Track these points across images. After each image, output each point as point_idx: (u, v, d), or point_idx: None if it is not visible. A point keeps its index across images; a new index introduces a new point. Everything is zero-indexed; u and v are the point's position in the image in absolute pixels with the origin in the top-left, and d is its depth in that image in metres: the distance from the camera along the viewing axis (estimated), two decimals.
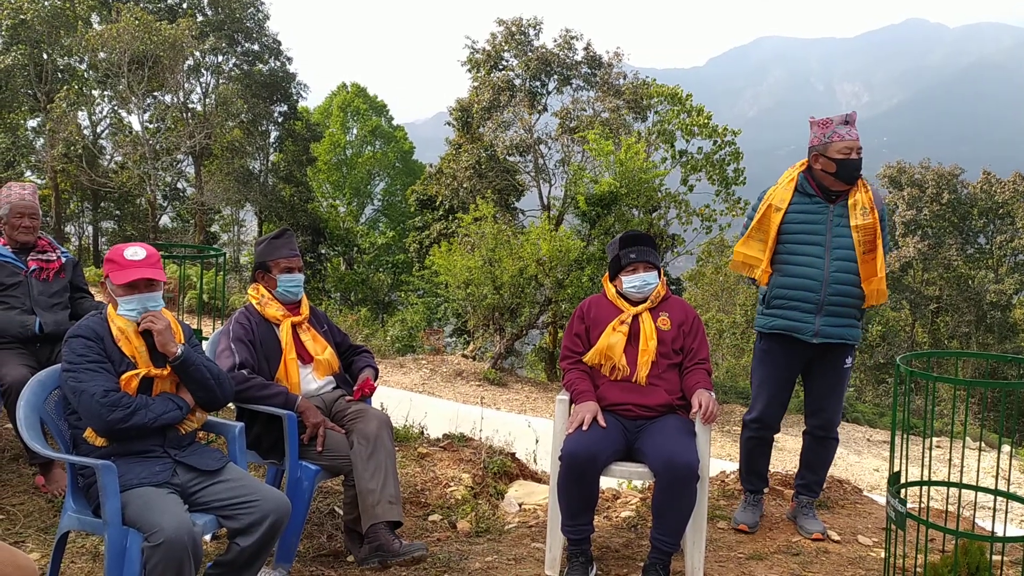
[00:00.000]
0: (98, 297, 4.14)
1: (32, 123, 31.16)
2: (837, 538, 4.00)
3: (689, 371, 3.55)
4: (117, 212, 35.52)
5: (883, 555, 3.58)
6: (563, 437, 3.40)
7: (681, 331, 3.59)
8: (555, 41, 29.33)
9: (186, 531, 2.60)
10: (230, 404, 3.41)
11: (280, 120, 35.65)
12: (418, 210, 33.42)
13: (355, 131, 45.03)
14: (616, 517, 4.22)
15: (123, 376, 2.86)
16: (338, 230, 39.50)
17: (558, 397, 3.64)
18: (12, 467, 4.20)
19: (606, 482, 3.51)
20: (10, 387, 3.70)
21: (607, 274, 3.78)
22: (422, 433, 5.30)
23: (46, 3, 28.28)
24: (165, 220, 36.21)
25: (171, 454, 2.90)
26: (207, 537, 3.38)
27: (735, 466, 4.64)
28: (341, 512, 3.88)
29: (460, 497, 4.30)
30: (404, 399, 8.72)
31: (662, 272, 3.70)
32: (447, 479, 4.48)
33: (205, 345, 3.58)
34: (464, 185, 28.79)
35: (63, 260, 4.38)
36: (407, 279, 32.05)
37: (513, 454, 5.07)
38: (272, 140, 36.29)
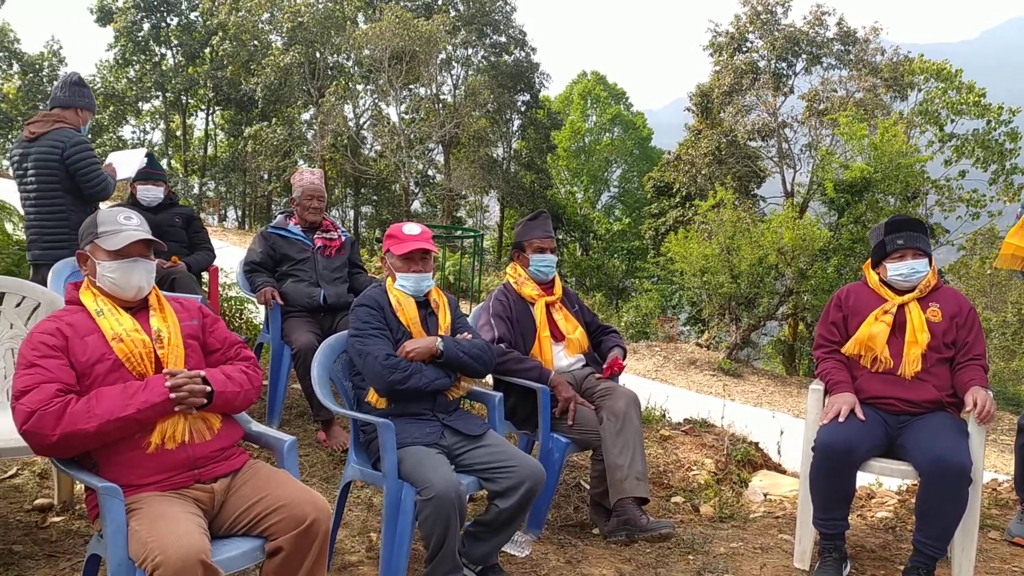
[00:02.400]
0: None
1: (305, 116, 34.49)
2: None
3: (962, 367, 3.30)
4: (375, 197, 38.37)
5: None
6: (816, 428, 3.30)
7: (954, 324, 3.35)
8: (804, 18, 27.91)
9: (454, 488, 2.82)
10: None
11: (523, 109, 36.74)
12: (654, 197, 33.19)
13: (594, 118, 45.46)
14: (871, 517, 4.03)
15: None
16: (575, 216, 40.18)
17: (811, 386, 3.53)
18: (298, 423, 4.73)
19: (862, 478, 3.35)
20: (299, 351, 4.18)
21: (869, 261, 3.60)
22: (664, 416, 5.33)
23: (320, 6, 31.09)
24: (416, 205, 38.61)
25: (440, 418, 3.15)
26: None
27: (1004, 477, 4.26)
28: (587, 485, 4.02)
29: (703, 481, 4.30)
30: (636, 385, 8.77)
31: (932, 260, 3.46)
32: (689, 463, 4.49)
33: (470, 317, 3.83)
34: (702, 171, 28.23)
35: (343, 239, 4.87)
36: (642, 266, 31.98)
37: (757, 443, 4.97)
38: (515, 128, 37.51)
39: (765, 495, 4.34)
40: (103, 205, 4.70)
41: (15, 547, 3.08)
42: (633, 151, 44.71)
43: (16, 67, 38.36)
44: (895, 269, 3.42)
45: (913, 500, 4.02)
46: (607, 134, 45.07)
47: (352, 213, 39.32)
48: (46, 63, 38.60)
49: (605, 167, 44.68)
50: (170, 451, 2.36)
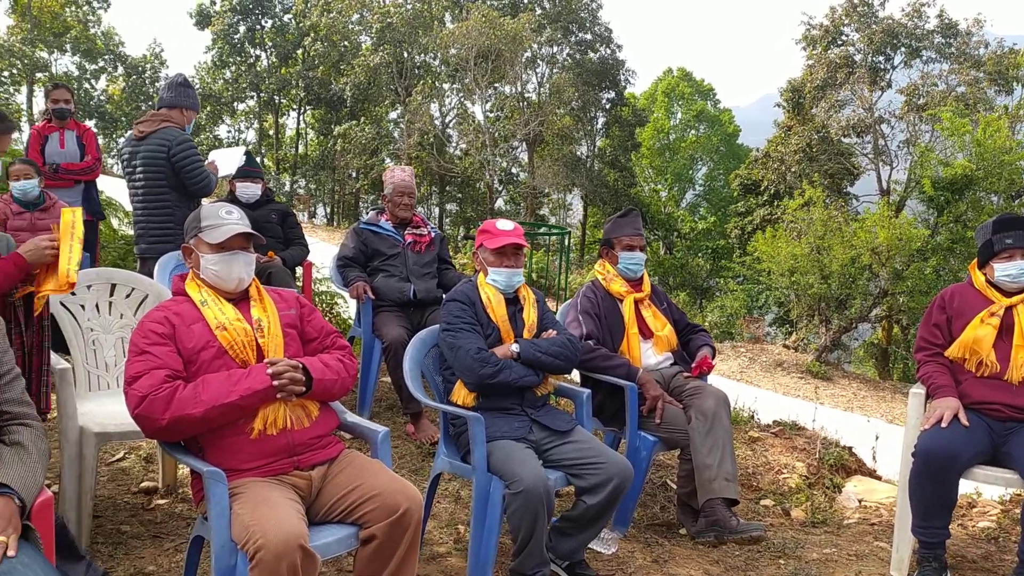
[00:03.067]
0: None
1: (392, 115, 35.11)
2: None
3: None
4: (459, 195, 38.77)
5: None
6: (917, 433, 3.19)
7: None
8: (903, 10, 26.88)
9: (542, 483, 2.83)
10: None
11: (607, 107, 36.53)
12: (741, 195, 32.56)
13: (679, 115, 44.87)
14: (972, 526, 3.87)
15: None
16: (659, 214, 39.75)
17: (912, 390, 3.41)
18: (387, 415, 4.83)
19: (965, 486, 3.23)
20: (390, 345, 4.27)
21: (975, 261, 3.45)
22: (752, 417, 5.24)
23: (408, 6, 31.59)
24: (500, 203, 38.84)
25: (528, 413, 3.17)
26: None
27: None
28: (674, 485, 3.98)
29: (793, 485, 4.21)
30: (721, 386, 8.62)
31: None
32: (779, 465, 4.40)
33: (558, 314, 3.84)
34: (792, 169, 27.54)
35: (432, 235, 4.94)
36: (727, 265, 31.35)
37: (851, 448, 4.83)
38: (599, 126, 37.33)
39: (860, 501, 4.22)
40: (205, 201, 4.90)
41: (123, 527, 3.23)
42: (719, 148, 43.94)
43: (120, 69, 40.20)
44: (1003, 269, 3.27)
45: (1018, 510, 3.85)
46: (692, 131, 44.42)
47: (437, 210, 39.80)
48: (148, 65, 40.33)
49: (690, 165, 44.04)
50: (271, 438, 2.44)
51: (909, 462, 3.14)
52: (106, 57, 39.88)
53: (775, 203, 27.10)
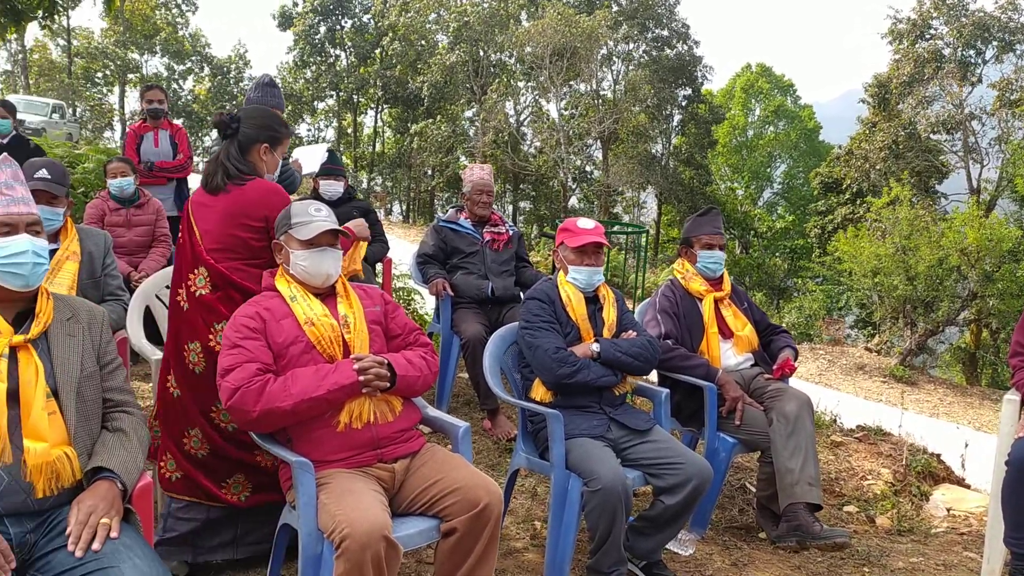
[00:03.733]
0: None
1: (468, 113, 35.40)
2: None
3: None
4: (533, 193, 38.83)
5: None
6: (1011, 441, 3.07)
7: None
8: (996, 3, 25.80)
9: (620, 482, 2.83)
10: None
11: (684, 104, 36.06)
12: (821, 193, 31.74)
13: (757, 112, 44.00)
14: None
15: None
16: (735, 213, 39.07)
17: (1006, 397, 3.29)
18: (464, 411, 4.89)
19: None
20: (468, 341, 4.32)
21: None
22: (835, 421, 5.12)
23: (484, 5, 31.78)
24: (573, 201, 38.75)
25: (606, 411, 3.17)
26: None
27: None
28: (753, 488, 3.92)
29: (878, 492, 4.10)
30: (800, 388, 8.43)
31: None
32: (863, 471, 4.30)
33: (636, 312, 3.83)
34: (876, 167, 26.71)
35: (510, 233, 4.97)
36: (806, 265, 30.62)
37: (939, 455, 4.68)
38: (675, 123, 36.89)
39: (948, 510, 4.09)
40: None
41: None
42: (799, 145, 42.91)
43: (207, 70, 41.54)
44: None
45: None
46: (771, 128, 43.49)
47: (511, 208, 39.95)
48: (233, 66, 41.58)
49: (768, 162, 43.13)
50: (356, 431, 2.50)
51: (1002, 471, 3.02)
52: (193, 58, 41.29)
53: (858, 201, 26.38)
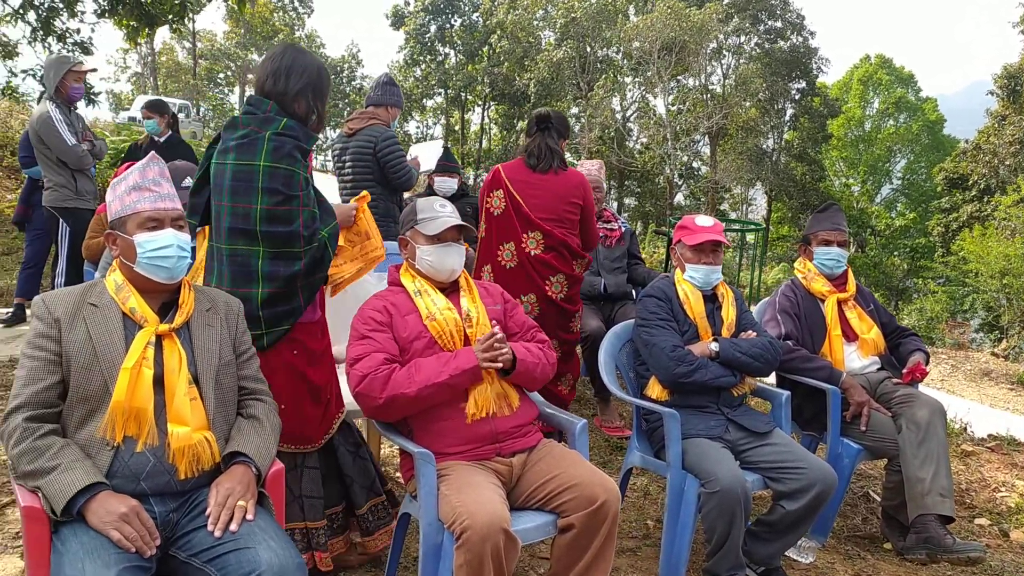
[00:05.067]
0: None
1: (574, 110, 35.29)
2: None
3: None
4: (638, 190, 38.44)
5: None
6: None
7: None
8: None
9: (739, 484, 2.77)
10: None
11: (797, 97, 34.98)
12: (945, 190, 30.21)
13: (876, 104, 42.22)
14: None
15: None
16: (851, 210, 37.66)
17: None
18: (574, 407, 4.87)
19: None
20: (588, 336, 4.32)
21: None
22: (965, 429, 4.86)
23: (592, 1, 31.62)
24: (679, 198, 38.17)
25: (724, 412, 3.10)
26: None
27: None
28: (878, 496, 3.77)
29: (1013, 504, 3.87)
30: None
31: None
32: (996, 483, 4.07)
33: (753, 312, 3.74)
34: (1006, 162, 25.26)
35: (623, 229, 4.93)
36: (927, 265, 29.27)
37: None
38: (787, 118, 35.82)
39: None
40: (406, 194, 5.14)
41: None
42: (921, 139, 40.94)
43: None
44: None
45: None
46: (890, 121, 41.65)
47: (615, 205, 39.66)
48: (346, 65, 42.75)
49: (887, 157, 41.35)
50: (476, 425, 2.53)
51: None
52: None
53: (985, 199, 25.02)
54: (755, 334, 3.19)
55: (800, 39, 34.06)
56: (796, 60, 33.59)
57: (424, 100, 42.66)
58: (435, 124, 44.80)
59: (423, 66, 40.86)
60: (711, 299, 3.26)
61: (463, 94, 40.75)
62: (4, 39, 10.56)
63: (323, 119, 2.71)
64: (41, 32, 10.28)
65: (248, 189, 2.49)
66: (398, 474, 3.82)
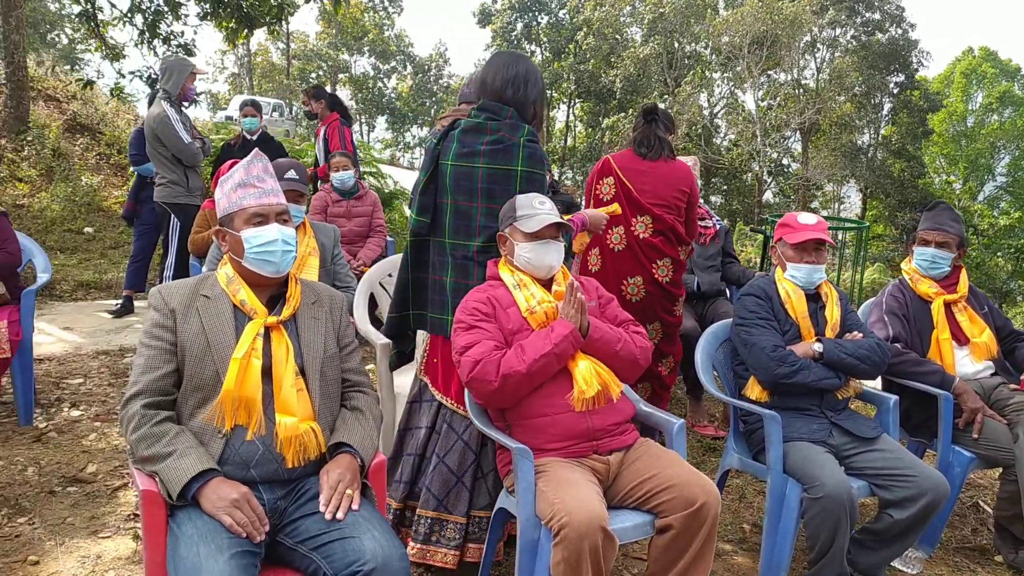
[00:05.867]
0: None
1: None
2: None
3: None
4: (724, 187, 37.72)
5: None
6: None
7: None
8: None
9: (845, 490, 2.68)
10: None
11: (895, 91, 33.72)
12: None
13: (979, 99, 40.38)
14: None
15: None
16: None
17: None
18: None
19: None
20: (684, 335, 4.26)
21: None
22: None
23: None
24: (768, 195, 37.30)
25: (828, 415, 3.01)
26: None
27: None
28: (990, 507, 3.60)
29: None
30: None
31: None
32: None
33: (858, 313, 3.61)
34: None
35: (717, 227, 4.84)
36: None
37: None
38: (884, 113, 34.58)
39: None
40: None
41: None
42: None
43: (409, 68, 43.52)
44: None
45: None
46: (994, 116, 39.76)
47: (701, 202, 39.00)
48: (433, 64, 43.28)
49: (990, 153, 39.49)
50: (573, 421, 2.51)
51: None
52: (397, 58, 43.37)
53: None
54: (861, 335, 3.08)
55: (899, 31, 32.81)
56: (895, 53, 32.37)
57: None
58: None
59: None
60: (814, 299, 3.16)
61: (548, 91, 40.76)
62: (112, 42, 11.02)
63: (543, 124, 2.95)
64: (147, 35, 10.70)
65: (505, 191, 2.75)
66: None
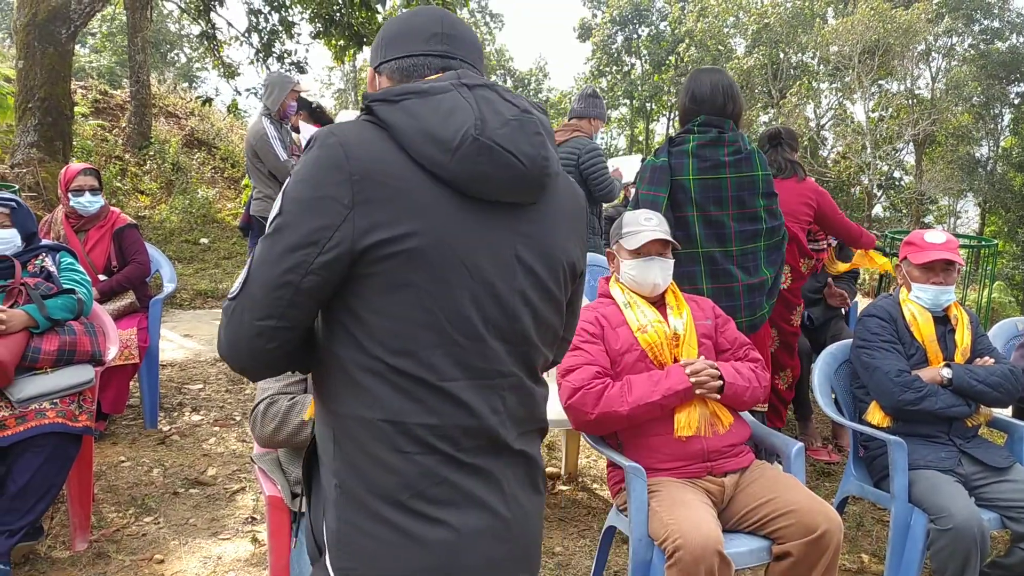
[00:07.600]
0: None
1: (764, 117, 34.12)
2: None
3: None
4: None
5: None
6: None
7: None
8: None
9: (976, 522, 2.55)
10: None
11: (1016, 102, 32.02)
12: None
13: None
14: None
15: None
16: None
17: None
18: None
19: None
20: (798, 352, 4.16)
21: None
22: None
23: (788, 5, 30.48)
24: (878, 209, 35.93)
25: (956, 443, 2.87)
26: None
27: None
28: None
29: None
30: None
31: None
32: None
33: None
34: None
35: (833, 244, 4.68)
36: None
37: None
38: (1005, 124, 32.87)
39: None
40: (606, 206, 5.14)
41: None
42: None
43: (509, 83, 43.95)
44: None
45: None
46: None
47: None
48: (533, 78, 43.59)
49: None
50: (687, 442, 2.48)
51: None
52: (498, 72, 43.85)
53: None
54: (992, 361, 2.93)
55: (1020, 40, 31.17)
56: (1016, 62, 30.71)
57: (610, 111, 42.73)
58: (619, 135, 44.74)
59: (609, 77, 40.93)
60: (942, 321, 3.03)
61: (648, 104, 40.44)
62: (228, 60, 11.53)
63: None
64: (262, 54, 11.16)
65: (751, 196, 3.11)
66: (595, 485, 3.83)
